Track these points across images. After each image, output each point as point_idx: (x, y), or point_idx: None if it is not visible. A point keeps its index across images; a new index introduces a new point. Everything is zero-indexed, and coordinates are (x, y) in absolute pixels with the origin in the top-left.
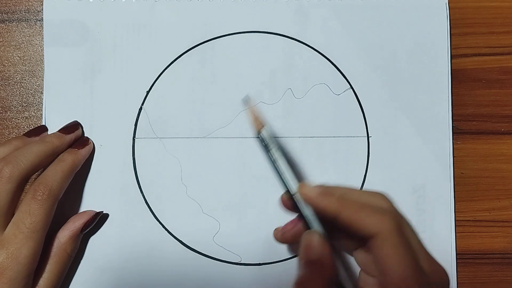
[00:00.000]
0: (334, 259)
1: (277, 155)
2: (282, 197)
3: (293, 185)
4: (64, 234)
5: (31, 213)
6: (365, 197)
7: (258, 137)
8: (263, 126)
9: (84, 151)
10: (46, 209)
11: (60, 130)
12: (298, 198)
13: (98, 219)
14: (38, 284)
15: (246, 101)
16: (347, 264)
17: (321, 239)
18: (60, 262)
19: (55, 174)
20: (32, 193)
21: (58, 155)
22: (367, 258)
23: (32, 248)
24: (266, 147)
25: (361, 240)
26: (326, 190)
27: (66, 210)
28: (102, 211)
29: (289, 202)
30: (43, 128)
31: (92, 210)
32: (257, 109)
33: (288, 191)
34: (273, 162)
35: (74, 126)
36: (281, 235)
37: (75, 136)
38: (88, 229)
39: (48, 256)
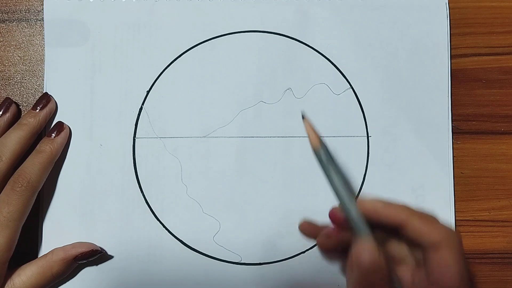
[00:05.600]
0: (389, 266)
1: (332, 170)
2: (333, 211)
3: (348, 198)
4: (58, 253)
5: (9, 203)
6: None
7: (315, 153)
8: (320, 142)
9: (60, 139)
10: (24, 200)
11: (34, 106)
12: (350, 208)
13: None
14: (14, 283)
15: (304, 116)
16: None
17: (377, 246)
18: (41, 276)
19: (34, 166)
20: (11, 184)
21: (36, 135)
22: (414, 270)
23: (7, 236)
24: (321, 163)
25: (417, 249)
26: (389, 202)
27: (66, 209)
28: (103, 251)
29: (341, 215)
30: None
31: (95, 245)
32: (313, 124)
33: (341, 205)
34: (329, 177)
35: (46, 99)
36: (326, 239)
37: (49, 111)
38: (83, 261)
39: (35, 264)
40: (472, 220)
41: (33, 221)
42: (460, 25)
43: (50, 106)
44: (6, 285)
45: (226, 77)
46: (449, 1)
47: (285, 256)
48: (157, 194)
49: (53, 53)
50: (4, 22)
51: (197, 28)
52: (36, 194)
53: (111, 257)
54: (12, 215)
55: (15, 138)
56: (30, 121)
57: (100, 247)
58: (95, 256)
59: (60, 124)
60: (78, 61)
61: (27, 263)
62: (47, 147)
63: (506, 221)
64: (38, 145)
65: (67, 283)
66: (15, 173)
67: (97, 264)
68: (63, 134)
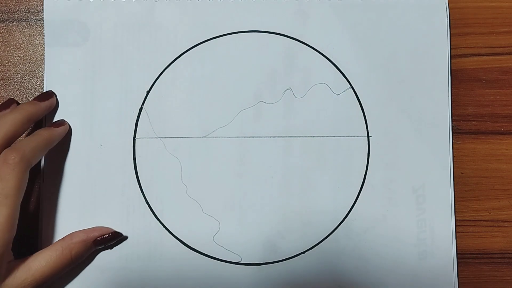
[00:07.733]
0: None
1: None
2: None
3: None
4: (79, 235)
5: (2, 178)
6: None
7: None
8: None
9: (60, 130)
10: (18, 174)
11: (35, 99)
12: None
13: (118, 237)
14: (30, 267)
15: None
16: None
17: None
18: (60, 259)
19: (29, 142)
20: (3, 158)
21: (34, 122)
22: None
23: (6, 215)
24: None
25: None
26: None
27: (66, 209)
28: (123, 234)
29: None
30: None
31: (112, 229)
32: None
33: None
34: None
35: (49, 94)
36: None
37: (50, 104)
38: (102, 246)
39: (53, 247)
40: (472, 220)
41: (33, 221)
42: (460, 25)
43: (51, 100)
44: (21, 270)
45: (226, 77)
46: (449, 1)
47: (285, 256)
48: (157, 194)
49: (53, 53)
50: (4, 22)
51: (197, 28)
52: (29, 169)
53: (133, 243)
54: (7, 191)
55: (10, 119)
56: (28, 107)
57: (120, 232)
58: (114, 240)
59: (61, 121)
60: (78, 61)
61: (43, 248)
62: (45, 132)
63: (506, 221)
64: (36, 130)
65: (68, 282)
66: (6, 149)
67: (111, 248)
68: (63, 127)
